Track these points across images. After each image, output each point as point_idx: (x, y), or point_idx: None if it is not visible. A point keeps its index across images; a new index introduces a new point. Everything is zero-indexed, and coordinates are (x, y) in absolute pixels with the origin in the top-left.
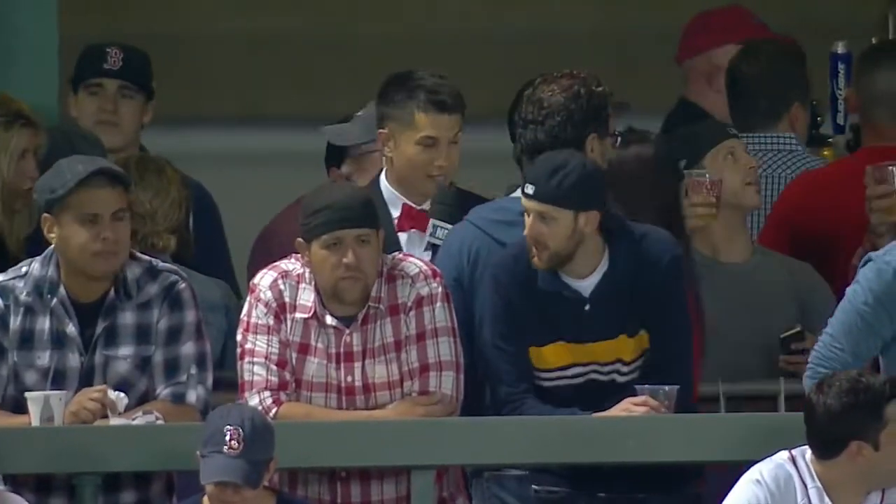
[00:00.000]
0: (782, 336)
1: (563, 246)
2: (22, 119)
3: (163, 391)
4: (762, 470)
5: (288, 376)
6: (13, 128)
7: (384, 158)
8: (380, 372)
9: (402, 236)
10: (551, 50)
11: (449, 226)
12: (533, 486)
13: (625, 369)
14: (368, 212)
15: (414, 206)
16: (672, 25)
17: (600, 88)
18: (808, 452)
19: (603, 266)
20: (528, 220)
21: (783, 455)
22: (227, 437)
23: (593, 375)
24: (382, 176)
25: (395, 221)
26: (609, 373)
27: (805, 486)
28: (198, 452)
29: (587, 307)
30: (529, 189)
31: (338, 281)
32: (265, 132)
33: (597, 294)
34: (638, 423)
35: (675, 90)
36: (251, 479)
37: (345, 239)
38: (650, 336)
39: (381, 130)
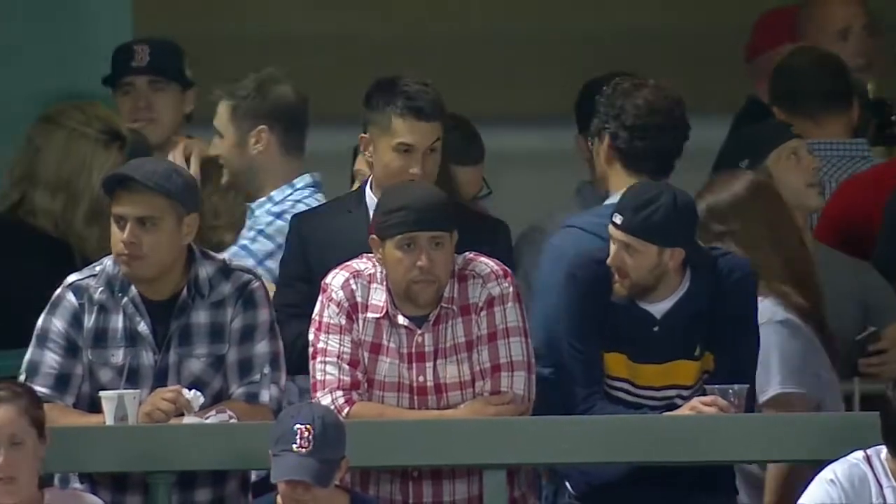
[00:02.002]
0: (857, 338)
1: (644, 278)
2: (119, 141)
3: (236, 390)
4: (836, 470)
5: (360, 376)
6: (112, 149)
7: (367, 164)
8: (451, 372)
9: None
10: (616, 50)
11: None
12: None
13: (686, 394)
14: (444, 213)
15: None
16: (741, 24)
17: None
18: (884, 451)
19: (679, 292)
20: (612, 247)
21: (858, 454)
22: (298, 436)
23: (643, 401)
24: (368, 181)
25: None
26: (663, 399)
27: (880, 485)
28: (269, 451)
29: (656, 328)
30: (617, 219)
31: (410, 283)
32: (333, 132)
33: (668, 318)
34: (710, 423)
35: (745, 90)
36: (322, 478)
37: (419, 240)
38: (716, 354)
39: (362, 135)
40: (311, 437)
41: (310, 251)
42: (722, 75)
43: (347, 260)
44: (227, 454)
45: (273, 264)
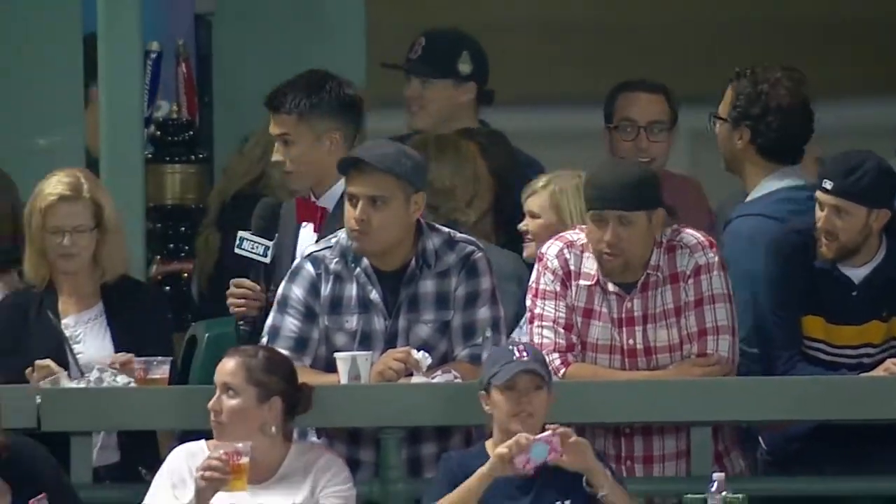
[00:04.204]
0: None
1: (853, 240)
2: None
3: (461, 352)
4: None
5: (574, 339)
6: None
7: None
8: (661, 336)
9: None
10: (816, 36)
11: (257, 238)
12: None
13: (873, 352)
14: (636, 194)
15: (304, 198)
16: None
17: None
18: None
19: (878, 258)
20: (821, 213)
21: None
22: (515, 350)
23: (839, 359)
24: None
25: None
26: (856, 357)
27: None
28: (485, 381)
29: (854, 293)
30: (827, 184)
31: (599, 254)
32: (557, 112)
33: (866, 282)
34: None
35: None
36: (545, 377)
37: (607, 217)
38: None
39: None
40: (526, 351)
41: None
42: None
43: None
44: (452, 410)
45: None
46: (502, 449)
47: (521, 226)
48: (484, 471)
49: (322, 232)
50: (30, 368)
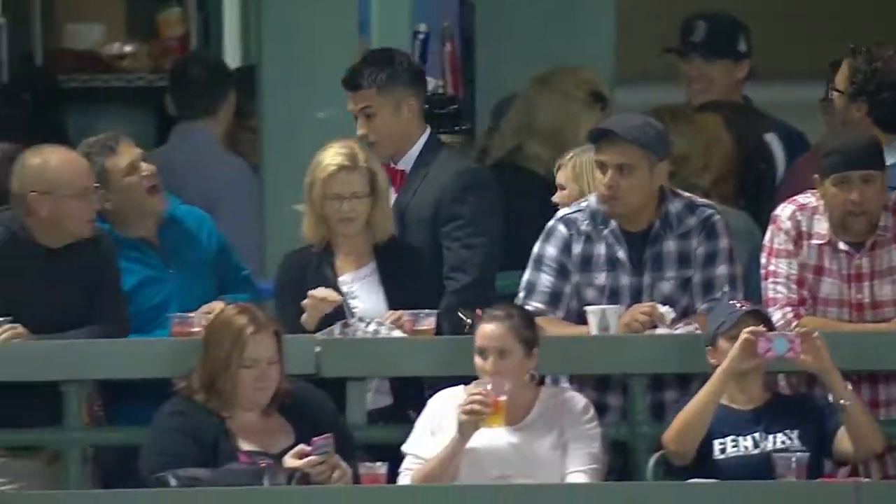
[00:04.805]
0: None
1: None
2: (601, 102)
3: (701, 306)
4: None
5: (805, 294)
6: (595, 109)
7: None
8: (886, 291)
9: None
10: None
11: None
12: None
13: None
14: (873, 154)
15: (385, 165)
16: None
17: None
18: None
19: None
20: None
21: None
22: (737, 304)
23: None
24: None
25: None
26: None
27: None
28: (713, 333)
29: None
30: None
31: (845, 215)
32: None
33: None
34: None
35: None
36: (768, 323)
37: (851, 178)
38: None
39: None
40: (748, 303)
41: None
42: None
43: None
44: (692, 359)
45: None
46: (747, 334)
47: (554, 198)
48: (732, 355)
49: (401, 193)
50: (306, 300)
